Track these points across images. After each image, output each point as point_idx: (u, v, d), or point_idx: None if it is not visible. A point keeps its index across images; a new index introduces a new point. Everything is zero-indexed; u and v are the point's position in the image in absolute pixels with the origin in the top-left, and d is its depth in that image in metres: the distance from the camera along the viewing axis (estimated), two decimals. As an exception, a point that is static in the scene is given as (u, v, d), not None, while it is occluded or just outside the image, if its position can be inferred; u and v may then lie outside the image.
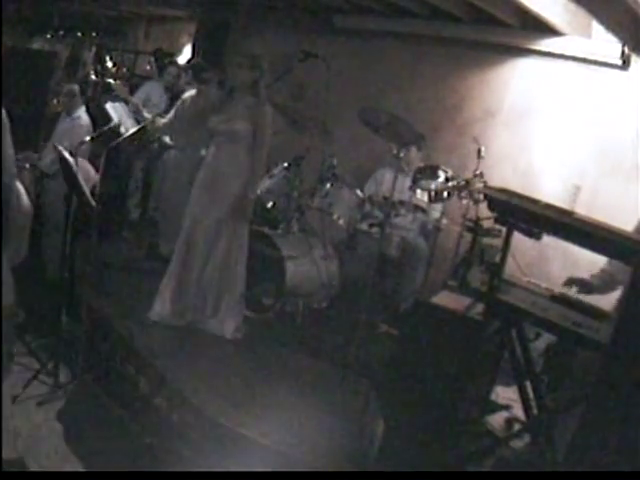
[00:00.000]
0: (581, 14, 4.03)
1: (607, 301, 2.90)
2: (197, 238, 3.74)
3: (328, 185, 4.37)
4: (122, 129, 4.15)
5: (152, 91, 5.47)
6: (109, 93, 5.37)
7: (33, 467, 2.85)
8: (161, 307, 3.79)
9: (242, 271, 3.85)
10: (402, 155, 3.88)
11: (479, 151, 3.94)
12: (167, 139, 5.00)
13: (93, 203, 3.22)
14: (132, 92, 5.43)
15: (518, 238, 2.55)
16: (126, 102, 4.97)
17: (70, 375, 3.50)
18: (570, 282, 2.95)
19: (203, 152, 4.97)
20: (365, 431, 3.04)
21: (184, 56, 7.74)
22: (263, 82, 3.70)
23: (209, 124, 3.76)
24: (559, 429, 2.58)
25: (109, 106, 4.63)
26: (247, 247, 3.85)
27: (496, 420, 3.33)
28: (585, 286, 2.93)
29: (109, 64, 5.73)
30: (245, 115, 3.68)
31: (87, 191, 3.26)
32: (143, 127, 4.09)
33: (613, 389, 2.16)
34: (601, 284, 2.97)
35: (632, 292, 2.22)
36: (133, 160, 5.71)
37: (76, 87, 4.62)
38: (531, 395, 2.62)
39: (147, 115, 4.96)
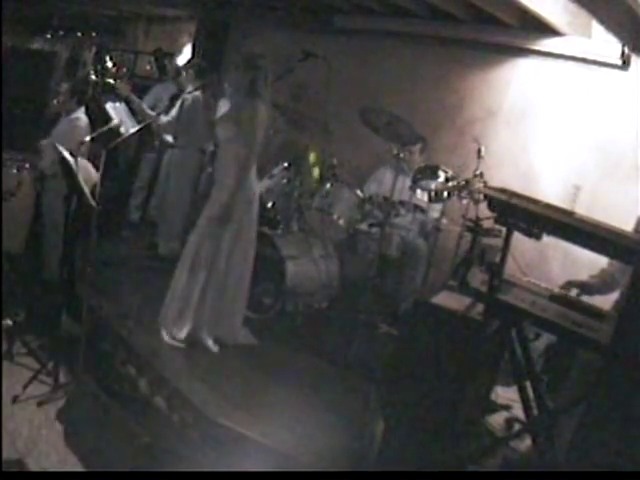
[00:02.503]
0: (581, 14, 4.03)
1: (607, 301, 2.91)
2: (191, 246, 3.72)
3: (328, 185, 4.37)
4: (122, 129, 4.14)
5: (163, 94, 5.46)
6: (109, 93, 5.36)
7: (33, 467, 2.84)
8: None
9: (239, 277, 3.74)
10: (402, 155, 3.89)
11: (479, 151, 3.94)
12: (168, 138, 5.00)
13: (93, 203, 3.22)
14: (132, 92, 5.42)
15: (518, 238, 2.55)
16: (128, 101, 4.97)
17: (70, 375, 3.50)
18: (568, 285, 2.95)
19: (204, 151, 4.99)
20: (365, 431, 3.04)
21: (184, 56, 7.73)
22: (263, 80, 3.62)
23: (215, 131, 3.74)
24: (559, 429, 2.58)
25: (109, 106, 4.62)
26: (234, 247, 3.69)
27: (496, 420, 3.33)
28: (584, 288, 2.93)
29: (109, 64, 5.71)
30: (234, 116, 3.63)
31: (87, 191, 3.26)
32: (145, 126, 4.09)
33: (613, 389, 2.16)
34: (601, 285, 2.98)
35: (632, 292, 2.22)
36: (138, 159, 5.70)
37: (69, 86, 4.60)
38: (531, 395, 2.62)
39: (151, 113, 4.97)
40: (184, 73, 5.22)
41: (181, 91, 5.01)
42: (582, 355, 2.79)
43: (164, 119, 4.82)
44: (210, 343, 3.70)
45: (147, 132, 5.17)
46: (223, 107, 3.76)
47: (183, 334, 3.67)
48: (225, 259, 3.65)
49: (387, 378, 3.25)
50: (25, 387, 3.34)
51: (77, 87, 4.65)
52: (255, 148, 3.62)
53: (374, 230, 4.33)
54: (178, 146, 4.93)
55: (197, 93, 4.70)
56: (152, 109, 5.17)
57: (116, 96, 5.12)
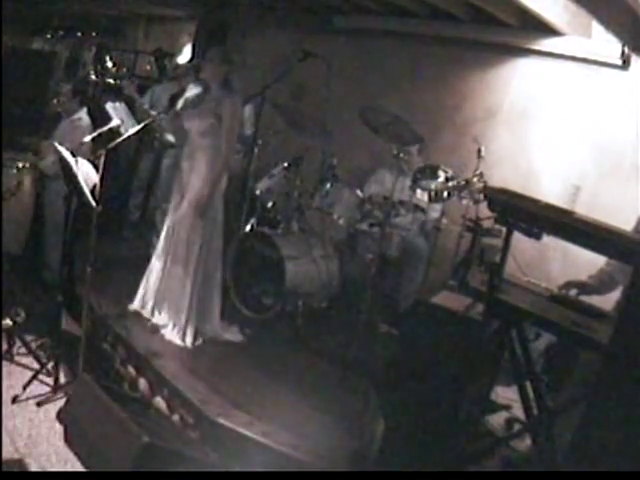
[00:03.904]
0: (581, 14, 4.03)
1: (607, 301, 2.91)
2: (167, 237, 3.80)
3: (328, 185, 4.37)
4: (122, 129, 4.14)
5: (161, 94, 5.46)
6: (109, 93, 5.36)
7: (33, 467, 2.85)
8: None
9: (212, 271, 3.82)
10: (402, 155, 3.89)
11: (479, 151, 3.94)
12: (169, 137, 5.00)
13: (93, 203, 3.22)
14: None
15: (518, 238, 2.55)
16: (132, 100, 4.97)
17: (70, 375, 3.50)
18: (567, 285, 2.95)
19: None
20: (365, 431, 3.04)
21: (184, 56, 7.73)
22: (237, 75, 3.72)
23: (184, 122, 3.77)
24: (559, 429, 2.58)
25: (109, 106, 4.62)
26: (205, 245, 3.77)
27: (496, 420, 3.32)
28: (583, 288, 2.93)
29: (109, 64, 5.72)
30: (212, 110, 3.69)
31: (87, 191, 3.26)
32: (144, 126, 4.09)
33: (613, 389, 2.16)
34: (600, 285, 2.98)
35: (632, 292, 2.22)
36: (137, 159, 5.70)
37: (71, 87, 4.61)
38: (531, 395, 2.62)
39: (152, 113, 4.96)
40: (183, 72, 5.21)
41: (178, 90, 4.99)
42: (582, 355, 2.79)
43: (164, 119, 4.81)
44: (188, 337, 3.73)
45: (146, 132, 5.17)
46: (201, 101, 3.80)
47: (164, 322, 3.75)
48: (200, 251, 3.73)
49: (387, 378, 3.24)
50: (25, 387, 3.34)
51: (78, 87, 4.66)
52: (233, 143, 3.76)
53: (374, 230, 4.33)
54: (178, 145, 4.92)
55: (198, 92, 4.69)
56: (150, 109, 5.17)
57: (116, 96, 5.12)
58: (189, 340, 3.72)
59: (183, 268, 3.72)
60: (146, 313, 3.85)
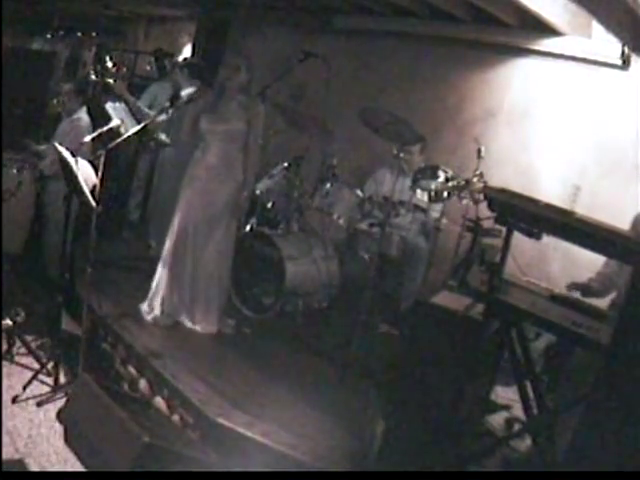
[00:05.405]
0: (581, 14, 4.03)
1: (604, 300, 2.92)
2: (190, 236, 3.83)
3: (328, 185, 4.37)
4: (122, 129, 4.15)
5: (160, 92, 5.46)
6: (109, 93, 5.37)
7: (33, 467, 2.85)
8: (156, 306, 3.89)
9: (229, 265, 4.00)
10: (402, 155, 3.89)
11: (479, 151, 3.94)
12: (163, 137, 4.99)
13: (93, 203, 3.22)
14: (132, 91, 5.43)
15: (518, 238, 2.55)
16: (125, 100, 4.97)
17: (70, 375, 3.50)
18: (573, 286, 2.97)
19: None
20: (365, 431, 3.04)
21: (184, 56, 7.73)
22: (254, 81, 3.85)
23: (202, 125, 3.82)
24: (559, 429, 2.58)
25: (109, 106, 4.63)
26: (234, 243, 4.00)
27: (496, 420, 3.32)
28: (587, 290, 2.95)
29: (109, 64, 5.73)
30: (241, 115, 3.78)
31: (87, 191, 3.26)
32: (144, 126, 4.09)
33: (613, 389, 2.16)
34: (601, 287, 2.99)
35: (632, 292, 2.22)
36: (137, 159, 5.71)
37: (71, 87, 4.61)
38: (531, 395, 2.62)
39: (148, 113, 4.96)
40: (178, 71, 5.22)
41: (176, 90, 5.00)
42: (582, 355, 2.79)
43: (161, 118, 4.81)
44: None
45: (143, 132, 5.17)
46: (217, 105, 3.83)
47: (170, 317, 3.88)
48: (216, 247, 3.86)
49: (387, 378, 3.25)
50: (25, 387, 3.34)
51: (79, 87, 4.66)
52: (259, 146, 3.91)
53: (374, 230, 4.33)
54: (173, 145, 4.92)
55: (191, 91, 4.69)
56: (149, 108, 5.17)
57: (116, 96, 5.12)
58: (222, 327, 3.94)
59: (216, 262, 3.87)
60: (159, 310, 3.90)
